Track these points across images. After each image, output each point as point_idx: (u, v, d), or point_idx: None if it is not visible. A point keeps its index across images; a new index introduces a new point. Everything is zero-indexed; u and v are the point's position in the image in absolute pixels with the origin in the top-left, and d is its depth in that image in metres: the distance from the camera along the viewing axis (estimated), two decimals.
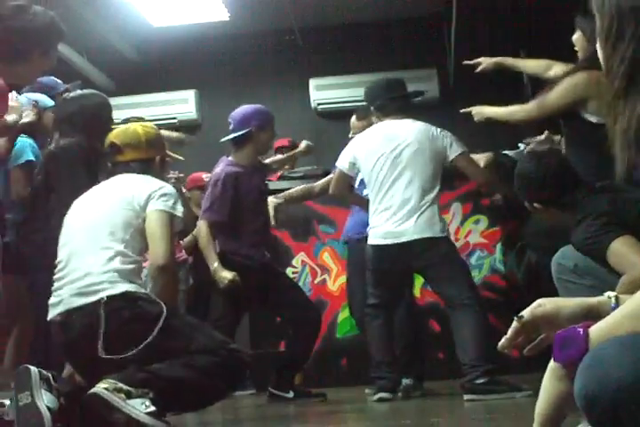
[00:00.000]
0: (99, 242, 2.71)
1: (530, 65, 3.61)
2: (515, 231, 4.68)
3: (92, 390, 2.33)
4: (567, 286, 2.70)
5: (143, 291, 2.66)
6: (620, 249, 2.38)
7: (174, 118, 6.92)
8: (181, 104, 6.94)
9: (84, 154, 3.31)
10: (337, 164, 4.00)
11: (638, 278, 2.27)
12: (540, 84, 5.84)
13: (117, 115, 6.61)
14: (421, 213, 3.67)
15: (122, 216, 2.76)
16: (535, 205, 2.77)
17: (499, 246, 5.28)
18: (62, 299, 2.64)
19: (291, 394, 3.99)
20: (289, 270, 5.18)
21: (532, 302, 1.29)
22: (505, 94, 6.17)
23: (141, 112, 6.69)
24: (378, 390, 3.71)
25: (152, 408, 2.33)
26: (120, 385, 2.34)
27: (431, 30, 6.59)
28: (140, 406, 2.32)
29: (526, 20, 5.24)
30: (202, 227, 4.01)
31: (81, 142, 3.32)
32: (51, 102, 3.67)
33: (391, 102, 3.92)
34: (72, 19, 5.85)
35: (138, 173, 2.95)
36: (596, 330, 1.07)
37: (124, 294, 2.59)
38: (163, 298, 2.64)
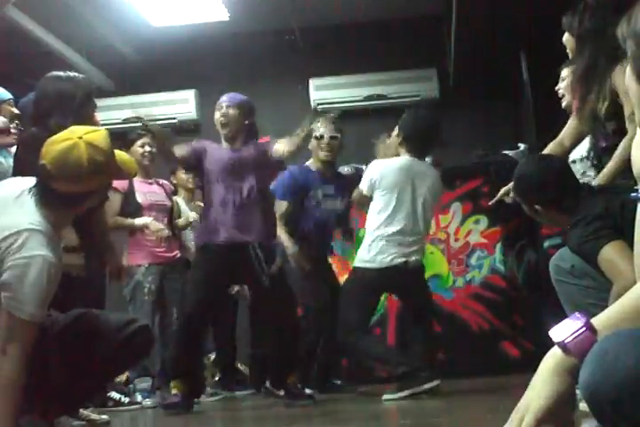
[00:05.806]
0: None
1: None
2: (515, 231, 4.68)
3: None
4: (565, 287, 2.70)
5: None
6: (609, 255, 2.37)
7: (174, 118, 6.91)
8: (181, 104, 6.93)
9: None
10: None
11: (625, 290, 2.27)
12: (540, 85, 5.82)
13: (117, 115, 6.68)
14: None
15: None
16: (536, 207, 2.76)
17: (499, 246, 5.27)
18: None
19: (281, 392, 4.02)
20: None
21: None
22: (504, 94, 6.20)
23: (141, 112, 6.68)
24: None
25: None
26: None
27: (431, 30, 6.59)
28: None
29: (526, 20, 5.23)
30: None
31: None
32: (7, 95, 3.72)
33: None
34: (72, 19, 5.86)
35: None
36: (600, 321, 1.08)
37: None
38: None
